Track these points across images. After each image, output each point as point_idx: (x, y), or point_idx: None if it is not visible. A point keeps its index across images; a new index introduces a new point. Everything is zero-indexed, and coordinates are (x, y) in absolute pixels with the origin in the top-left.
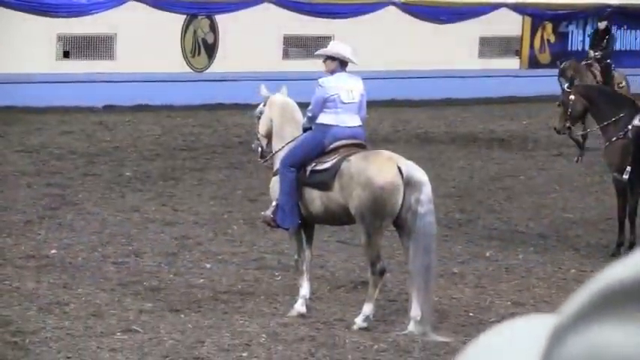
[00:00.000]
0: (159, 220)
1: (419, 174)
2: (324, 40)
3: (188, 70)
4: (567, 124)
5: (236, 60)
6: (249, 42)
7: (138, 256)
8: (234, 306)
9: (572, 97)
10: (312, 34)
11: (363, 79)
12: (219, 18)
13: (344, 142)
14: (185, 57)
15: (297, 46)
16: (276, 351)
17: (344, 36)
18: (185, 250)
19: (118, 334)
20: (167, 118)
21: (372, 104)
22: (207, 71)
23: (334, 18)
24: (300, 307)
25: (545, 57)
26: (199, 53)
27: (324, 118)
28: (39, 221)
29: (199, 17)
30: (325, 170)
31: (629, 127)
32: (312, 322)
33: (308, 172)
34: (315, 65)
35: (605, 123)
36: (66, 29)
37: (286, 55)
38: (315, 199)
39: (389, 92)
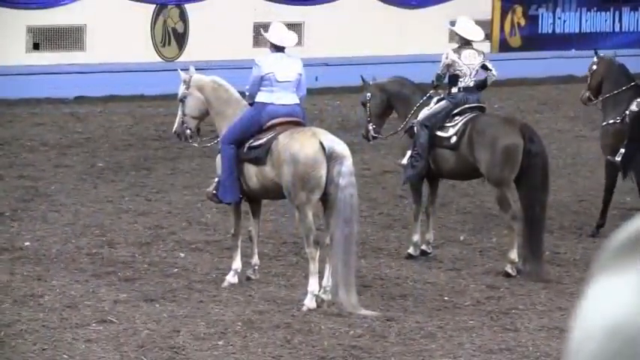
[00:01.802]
0: (132, 211)
1: (340, 147)
2: (296, 28)
3: (159, 59)
4: (587, 95)
5: (207, 49)
6: (219, 30)
7: (112, 246)
8: (209, 295)
9: (594, 67)
10: (283, 22)
11: (335, 65)
12: (189, 7)
13: (281, 119)
14: (155, 46)
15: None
16: (252, 339)
17: (317, 23)
18: (159, 240)
19: (94, 325)
20: (139, 108)
21: (342, 90)
22: (177, 60)
23: (304, 5)
24: (231, 278)
25: (515, 40)
26: (169, 43)
27: (260, 97)
28: (12, 214)
29: (169, 7)
30: (259, 146)
31: (627, 112)
32: (287, 310)
33: (245, 149)
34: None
35: (607, 95)
36: (36, 21)
37: (257, 42)
38: (253, 175)
39: (358, 78)
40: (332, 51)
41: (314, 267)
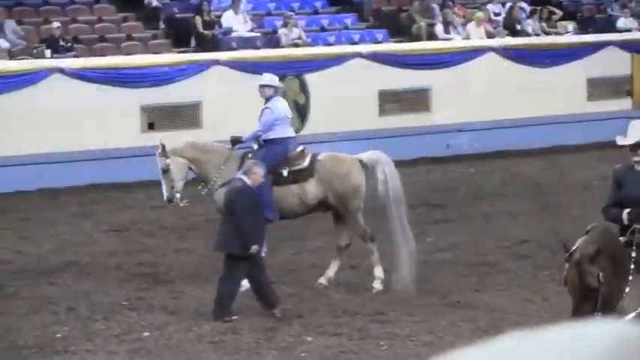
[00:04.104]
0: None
1: (373, 154)
2: (422, 93)
3: None
4: None
5: (330, 120)
6: (342, 100)
7: (235, 332)
8: None
9: None
10: (408, 88)
11: (467, 131)
12: (309, 77)
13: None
14: None
15: (392, 101)
16: None
17: (443, 88)
18: (284, 324)
19: None
20: None
21: (477, 157)
22: (300, 133)
23: (431, 69)
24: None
25: None
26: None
27: (279, 133)
28: (129, 303)
29: (288, 77)
30: (304, 169)
31: None
32: None
33: (286, 173)
34: (412, 120)
35: None
36: (150, 100)
37: (382, 111)
38: (293, 193)
39: (495, 144)
40: (463, 116)
41: (376, 258)
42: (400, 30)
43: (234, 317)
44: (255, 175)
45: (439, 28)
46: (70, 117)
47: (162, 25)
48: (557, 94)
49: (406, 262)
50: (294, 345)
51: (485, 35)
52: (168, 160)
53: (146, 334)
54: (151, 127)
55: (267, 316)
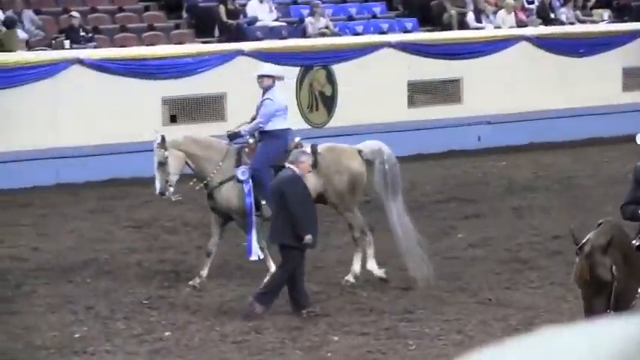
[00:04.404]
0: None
1: (373, 144)
2: (454, 85)
3: (306, 126)
4: None
5: (358, 112)
6: (370, 91)
7: (259, 332)
8: None
9: None
10: (439, 79)
11: (498, 122)
12: (336, 67)
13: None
14: (302, 113)
15: (422, 92)
16: None
17: (474, 78)
18: (310, 323)
19: None
20: None
21: (508, 150)
22: (327, 126)
23: (462, 59)
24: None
25: None
26: (317, 108)
27: (278, 124)
28: (150, 301)
29: (314, 68)
30: None
31: None
32: None
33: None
34: (443, 112)
35: None
36: (172, 92)
37: (412, 102)
38: None
39: (526, 136)
40: (494, 108)
41: (371, 251)
42: (430, 19)
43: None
44: (303, 163)
45: (470, 17)
46: (90, 110)
47: (185, 15)
48: (591, 85)
49: (412, 257)
50: (320, 345)
51: (516, 23)
52: (166, 153)
53: (167, 333)
54: (173, 119)
55: (292, 314)
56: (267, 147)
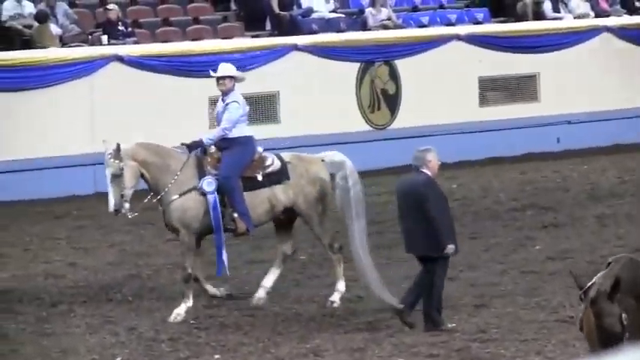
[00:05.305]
0: (338, 314)
1: (336, 157)
2: (529, 81)
3: (367, 128)
4: None
5: (423, 112)
6: (437, 88)
7: (317, 354)
8: None
9: None
10: (513, 75)
11: (579, 122)
12: (400, 63)
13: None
14: (363, 113)
15: (495, 89)
16: None
17: (552, 74)
18: (374, 344)
19: None
20: None
21: (590, 152)
22: (390, 127)
23: (538, 53)
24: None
25: None
26: (379, 107)
27: (245, 131)
28: (198, 321)
29: (376, 64)
30: (278, 172)
31: None
32: None
33: (260, 177)
34: (518, 111)
35: None
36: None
37: (483, 100)
38: (264, 199)
39: (609, 137)
40: (574, 106)
41: (340, 270)
42: (503, 9)
43: (449, 325)
44: (431, 162)
45: (547, 6)
46: (130, 111)
47: (233, 6)
48: None
49: (375, 285)
50: None
51: (591, 10)
52: (122, 164)
53: (217, 357)
54: None
55: (354, 333)
56: (236, 155)
